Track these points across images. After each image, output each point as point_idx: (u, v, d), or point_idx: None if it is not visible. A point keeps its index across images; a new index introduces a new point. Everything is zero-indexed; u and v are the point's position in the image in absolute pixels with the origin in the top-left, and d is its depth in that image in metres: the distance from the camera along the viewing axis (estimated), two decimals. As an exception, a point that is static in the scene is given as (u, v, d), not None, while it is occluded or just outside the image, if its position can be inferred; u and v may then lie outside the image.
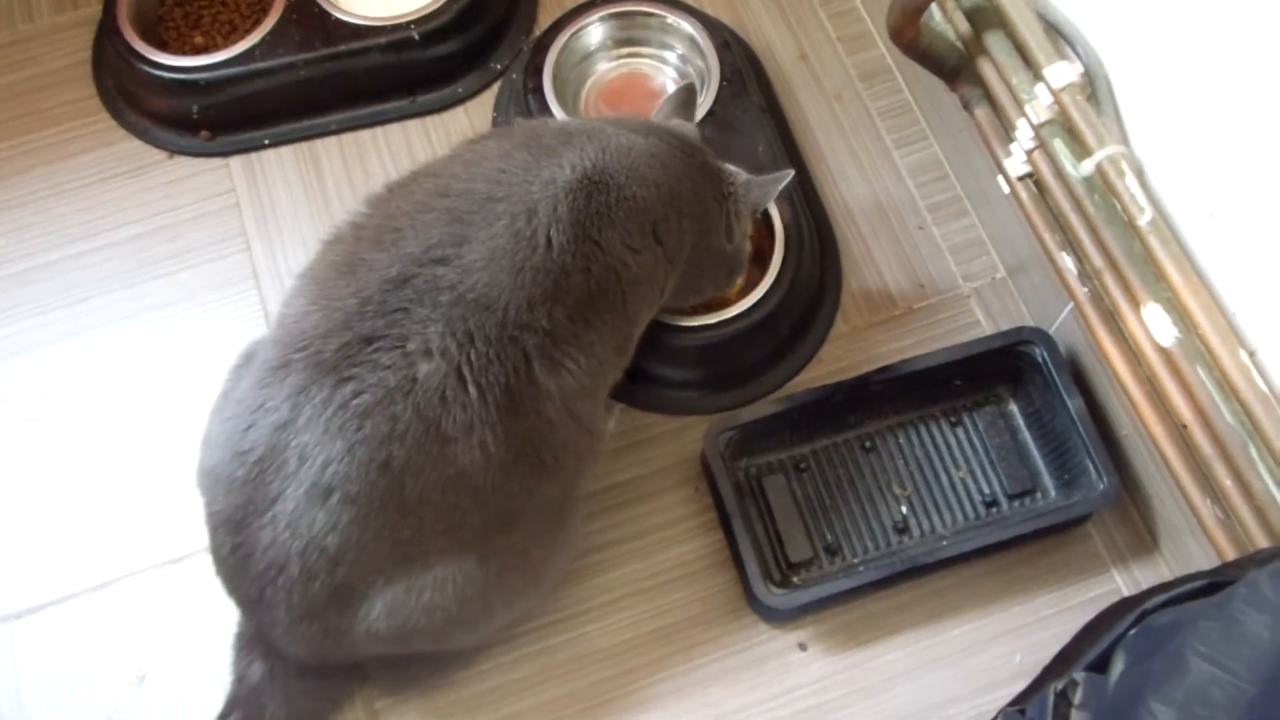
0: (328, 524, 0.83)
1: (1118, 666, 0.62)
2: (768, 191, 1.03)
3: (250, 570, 0.85)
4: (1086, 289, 1.03)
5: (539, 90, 1.22)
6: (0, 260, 1.25)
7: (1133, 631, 0.63)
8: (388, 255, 0.86)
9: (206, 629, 1.03)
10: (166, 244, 1.26)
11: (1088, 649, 0.66)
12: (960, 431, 1.14)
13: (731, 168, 1.03)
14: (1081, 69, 1.00)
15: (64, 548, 1.10)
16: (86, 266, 1.25)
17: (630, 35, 1.28)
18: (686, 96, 1.08)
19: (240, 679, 0.96)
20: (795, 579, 1.07)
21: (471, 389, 0.84)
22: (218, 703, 0.98)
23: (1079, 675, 0.63)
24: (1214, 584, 0.65)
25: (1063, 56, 1.01)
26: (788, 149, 1.25)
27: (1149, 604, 0.65)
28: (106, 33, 1.32)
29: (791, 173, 1.03)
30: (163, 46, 1.31)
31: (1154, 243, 0.93)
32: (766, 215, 1.15)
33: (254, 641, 0.93)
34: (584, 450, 0.93)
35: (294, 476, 0.83)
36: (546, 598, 1.04)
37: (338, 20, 1.28)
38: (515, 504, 0.89)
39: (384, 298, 0.84)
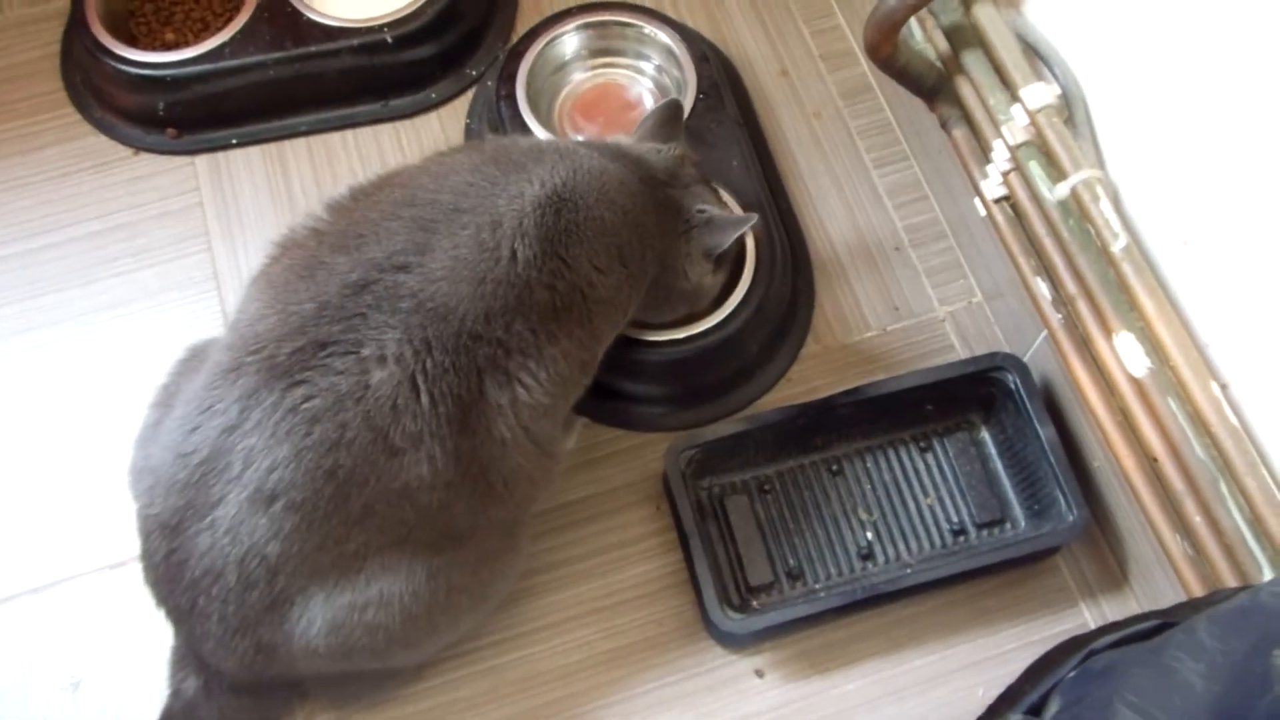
0: (270, 531, 0.80)
1: (1052, 709, 0.60)
2: (725, 235, 1.00)
3: (184, 577, 0.82)
4: (1060, 315, 1.02)
5: (512, 98, 1.21)
6: (-45, 252, 1.23)
7: (1072, 675, 0.61)
8: (349, 260, 0.85)
9: (144, 637, 1.00)
10: (126, 241, 1.23)
11: (1030, 689, 0.63)
12: (930, 457, 1.11)
13: (699, 204, 1.01)
14: (1059, 90, 0.99)
15: (2, 548, 1.08)
16: (44, 262, 1.22)
17: (607, 45, 1.27)
18: (671, 113, 1.06)
19: (175, 693, 0.93)
20: (755, 603, 1.05)
21: (424, 398, 0.82)
22: (153, 715, 0.95)
23: (1015, 718, 0.60)
24: (1164, 625, 0.62)
25: (1040, 77, 1.00)
26: (763, 165, 1.23)
27: (1097, 643, 0.63)
28: (75, 27, 1.30)
29: (754, 218, 1.01)
30: (133, 42, 1.30)
31: (1127, 270, 0.91)
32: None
33: (190, 655, 0.91)
34: (539, 473, 0.91)
35: (237, 480, 0.80)
36: (491, 616, 1.01)
37: (310, 20, 1.27)
38: (465, 522, 0.87)
39: (342, 303, 0.83)
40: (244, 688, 0.91)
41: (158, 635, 0.94)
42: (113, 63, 1.25)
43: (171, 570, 0.83)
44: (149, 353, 1.16)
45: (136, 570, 0.99)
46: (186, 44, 1.29)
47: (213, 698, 0.91)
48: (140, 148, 1.30)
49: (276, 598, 0.83)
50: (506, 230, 0.86)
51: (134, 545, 1.00)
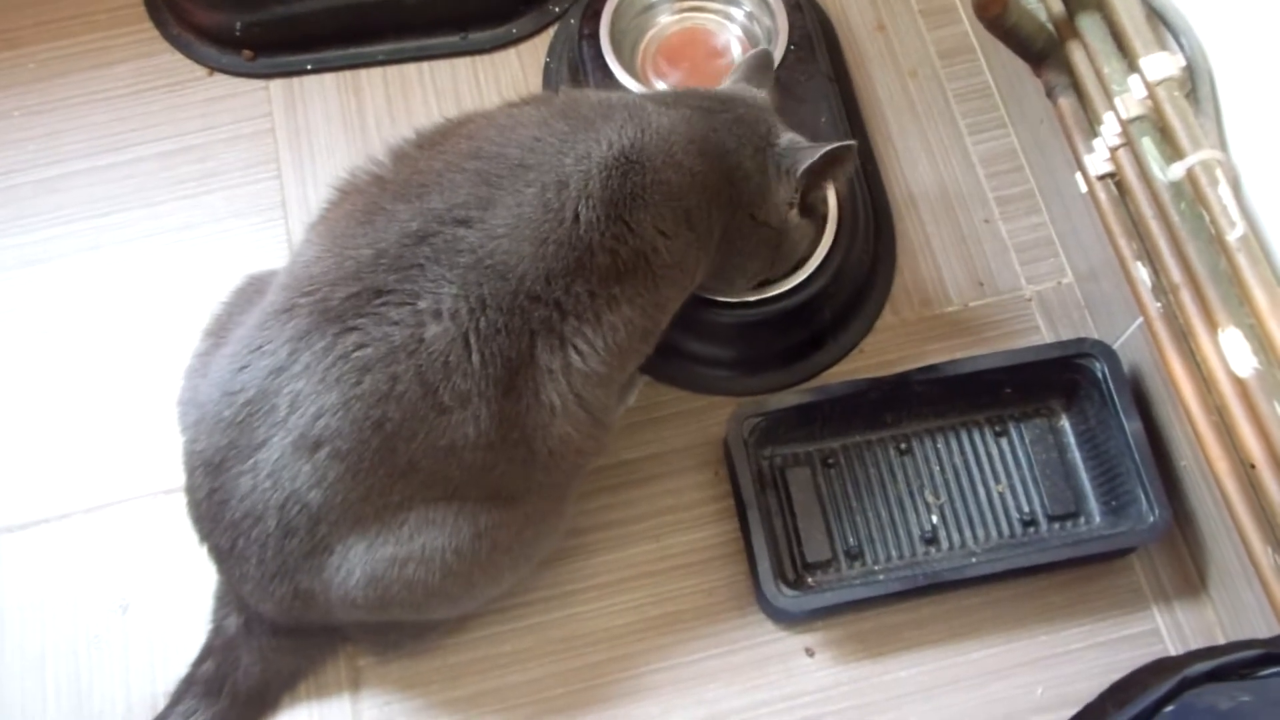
0: (312, 478, 0.78)
1: (1152, 741, 0.55)
2: (809, 154, 0.91)
3: (225, 517, 0.80)
4: (1160, 304, 0.94)
5: (595, 38, 1.15)
6: (29, 165, 1.21)
7: (1170, 709, 0.55)
8: (410, 209, 0.81)
9: (193, 566, 0.98)
10: (196, 164, 1.21)
11: (1113, 709, 0.58)
12: (1004, 442, 1.05)
13: (782, 128, 0.94)
14: (1183, 62, 0.91)
15: (61, 466, 1.07)
16: (113, 180, 1.20)
17: (697, -13, 1.20)
18: (761, 62, 1.00)
19: (217, 629, 0.92)
20: (810, 580, 1.00)
21: (475, 358, 0.79)
22: (196, 645, 0.94)
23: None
24: (1270, 656, 0.56)
25: (1163, 47, 0.92)
26: (852, 123, 1.16)
27: (1191, 670, 0.57)
28: (156, -60, 1.27)
29: (850, 143, 0.93)
30: (212, -41, 1.26)
31: (1242, 261, 0.84)
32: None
33: (232, 593, 0.89)
34: (588, 443, 0.87)
35: (282, 424, 0.78)
36: (538, 573, 0.98)
37: (393, -55, 1.22)
38: (513, 483, 0.84)
39: (400, 251, 0.80)
40: (284, 629, 0.89)
41: (206, 565, 0.93)
42: (192, -21, 1.22)
43: (213, 509, 0.81)
44: (212, 278, 1.13)
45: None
46: (267, -36, 1.25)
47: (253, 636, 0.90)
48: (215, 68, 1.26)
49: (316, 546, 0.80)
50: (572, 192, 0.82)
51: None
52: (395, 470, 0.79)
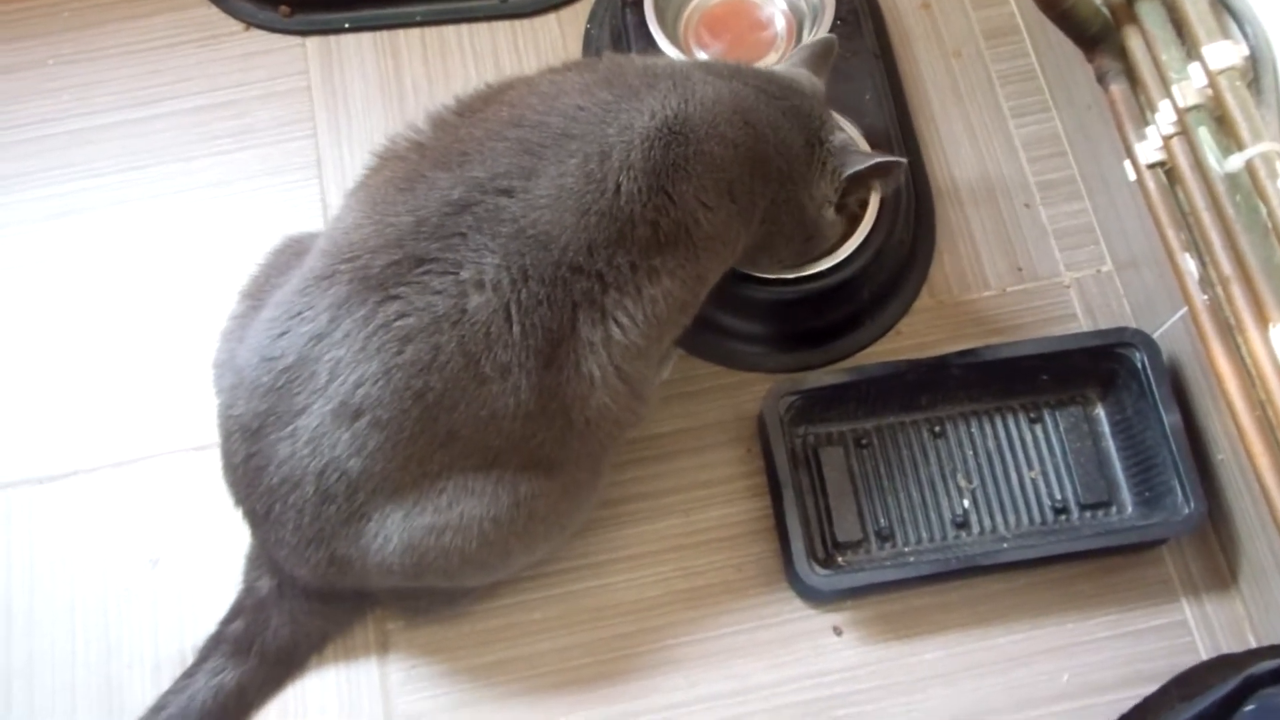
0: (352, 447, 0.76)
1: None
2: (858, 160, 0.90)
3: (262, 482, 0.78)
4: (1207, 296, 0.91)
5: (638, 5, 1.11)
6: (62, 116, 1.17)
7: (1249, 708, 0.53)
8: (451, 177, 0.79)
9: (224, 524, 0.95)
10: (230, 120, 1.17)
11: (1181, 704, 0.56)
12: (1039, 429, 1.03)
13: (836, 128, 0.92)
14: (1246, 51, 0.87)
15: (91, 419, 1.04)
16: (146, 134, 1.16)
17: (743, -43, 1.16)
18: (823, 49, 0.96)
19: (248, 589, 0.90)
20: (840, 559, 0.98)
21: (516, 329, 0.76)
22: (226, 602, 0.93)
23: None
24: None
25: (1226, 35, 0.88)
26: (896, 102, 1.12)
27: (1256, 669, 0.55)
28: (195, -112, 1.23)
29: (900, 159, 0.91)
30: (253, -89, 1.22)
31: (1301, 256, 0.81)
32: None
33: (265, 555, 0.87)
34: (626, 415, 0.84)
35: (322, 392, 0.75)
36: (569, 543, 0.96)
37: (436, -97, 1.18)
38: (552, 453, 0.82)
39: (442, 220, 0.77)
40: (315, 593, 0.87)
41: (237, 524, 0.90)
42: (232, -69, 1.18)
43: (250, 474, 0.79)
44: (245, 236, 1.11)
45: (218, 457, 0.96)
46: (308, -82, 1.21)
47: (284, 599, 0.89)
48: (251, 23, 1.22)
49: (354, 513, 0.78)
50: (615, 162, 0.79)
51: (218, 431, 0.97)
52: (435, 439, 0.77)
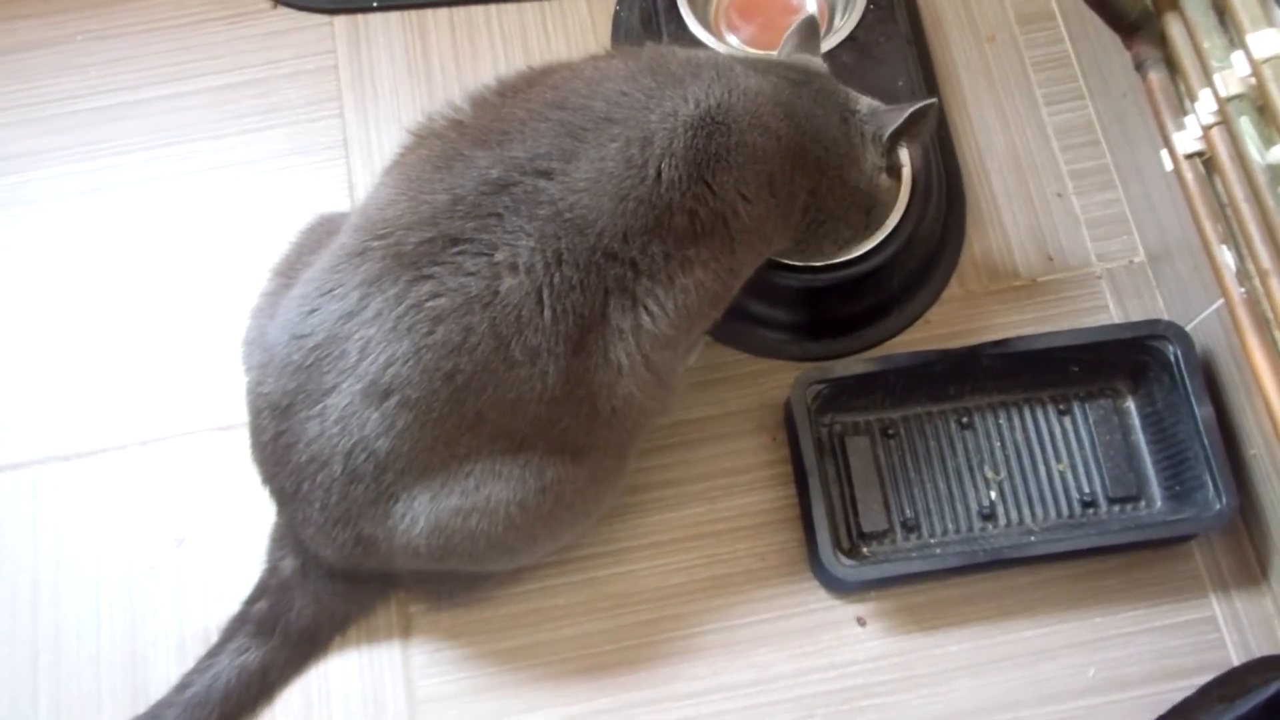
0: (381, 426, 0.74)
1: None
2: (894, 116, 0.88)
3: (290, 460, 0.77)
4: (1244, 290, 0.89)
5: (669, -13, 1.09)
6: (90, 93, 1.16)
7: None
8: (490, 156, 0.77)
9: (250, 503, 0.95)
10: (258, 98, 1.15)
11: (1221, 706, 0.54)
12: (1068, 421, 1.01)
13: (857, 94, 0.90)
14: (1291, 40, 0.85)
15: (119, 397, 1.03)
16: (174, 110, 1.15)
17: (775, -61, 1.13)
18: (810, 29, 0.95)
19: (272, 569, 0.89)
20: (865, 550, 0.96)
21: (547, 313, 0.75)
22: (250, 582, 0.92)
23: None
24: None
25: (1271, 23, 0.85)
26: (929, 88, 1.10)
27: (1302, 672, 0.54)
28: None
29: (930, 101, 0.88)
30: (281, -113, 1.20)
31: (1344, 250, 0.79)
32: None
33: (290, 535, 0.86)
34: (652, 403, 0.83)
35: (352, 370, 0.74)
36: (594, 529, 0.94)
37: (465, -119, 1.15)
38: (579, 439, 0.80)
39: (479, 199, 0.76)
40: (340, 574, 0.86)
41: (262, 504, 0.89)
42: (259, -93, 1.16)
43: (278, 452, 0.78)
44: (272, 215, 1.10)
45: (245, 436, 0.96)
46: (334, -104, 1.19)
47: (308, 579, 0.87)
48: (279, 1, 1.20)
49: (381, 493, 0.77)
50: (656, 149, 0.77)
51: (244, 410, 0.96)
52: (464, 421, 0.76)
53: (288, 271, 0.86)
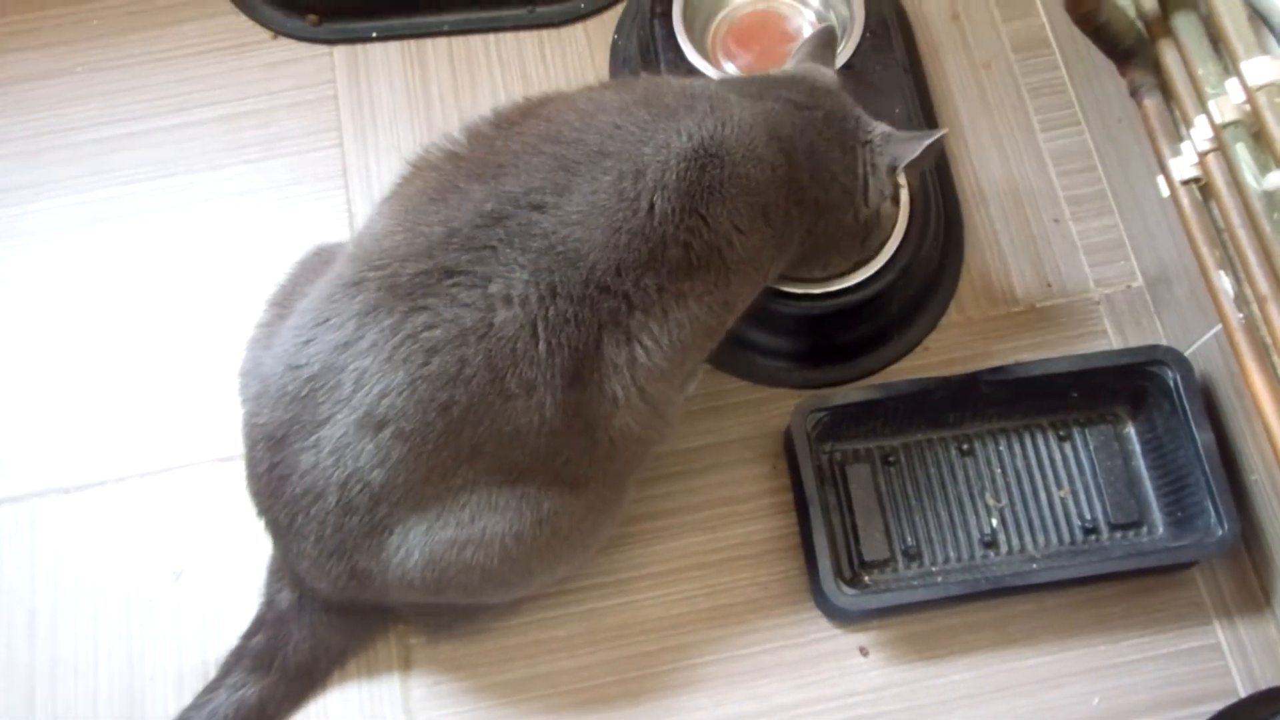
0: (375, 458, 0.73)
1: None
2: (910, 148, 0.87)
3: (284, 493, 0.76)
4: (1242, 315, 0.88)
5: (667, 16, 1.08)
6: (91, 124, 1.15)
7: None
8: (485, 189, 0.76)
9: (248, 536, 0.93)
10: (258, 129, 1.15)
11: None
12: (1068, 447, 1.00)
13: (869, 119, 0.89)
14: (1286, 68, 0.84)
15: (117, 429, 1.02)
16: (175, 141, 1.14)
17: (771, -32, 1.13)
18: (826, 38, 0.94)
19: (269, 602, 0.88)
20: (867, 579, 0.95)
21: (542, 346, 0.74)
22: (249, 616, 0.90)
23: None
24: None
25: (1264, 50, 0.85)
26: (926, 115, 1.10)
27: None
28: (226, -102, 1.21)
29: (944, 131, 0.87)
30: (281, -80, 1.20)
31: (1343, 277, 0.78)
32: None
33: (287, 568, 0.85)
34: (649, 433, 0.82)
35: (346, 401, 0.73)
36: (593, 559, 0.93)
37: (464, -86, 1.15)
38: (577, 470, 0.79)
39: (473, 232, 0.75)
40: (336, 607, 0.85)
41: (260, 536, 0.88)
42: (260, -62, 1.16)
43: (273, 484, 0.77)
44: (272, 245, 1.09)
45: (242, 467, 0.94)
46: (334, -73, 1.19)
47: (305, 613, 0.86)
48: (279, 32, 1.20)
49: (376, 525, 0.76)
50: (649, 182, 0.77)
51: (242, 442, 0.95)
52: (459, 453, 0.75)
53: (284, 302, 0.85)
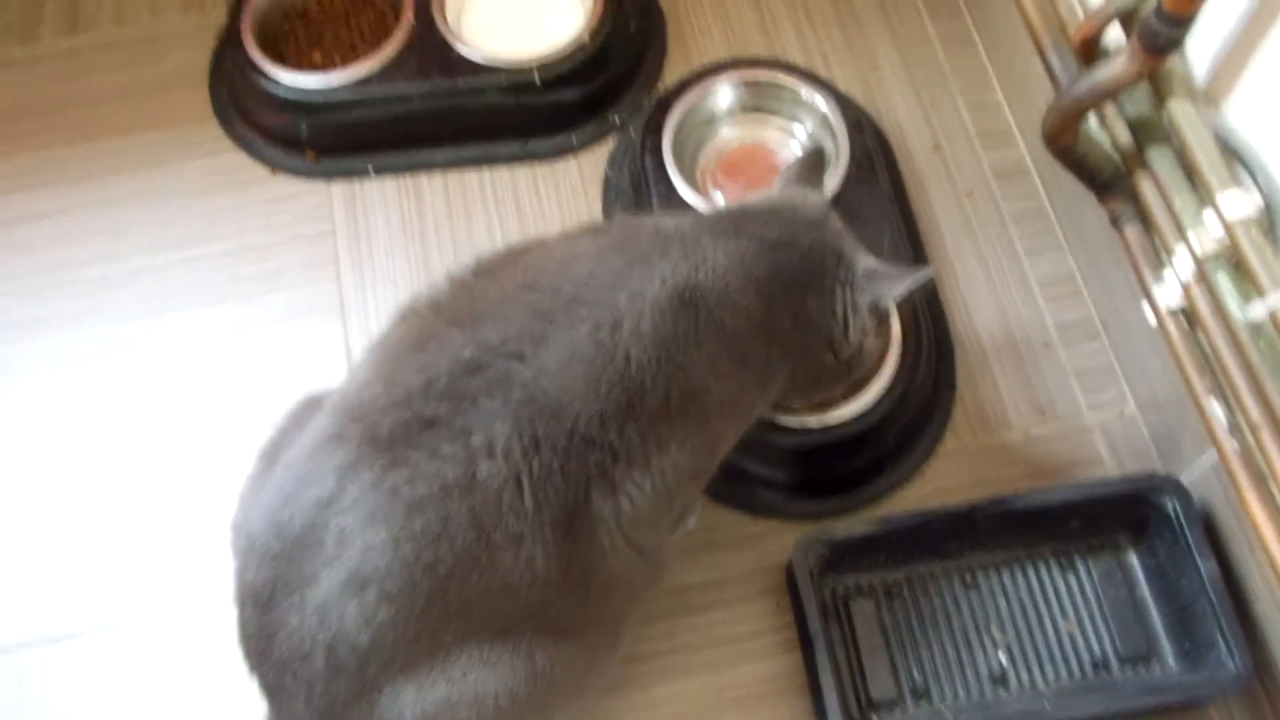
0: (360, 619, 0.71)
1: None
2: (893, 287, 0.85)
3: (273, 653, 0.73)
4: (1236, 443, 0.88)
5: (657, 150, 1.11)
6: (92, 260, 1.17)
7: None
8: (463, 337, 0.75)
9: (242, 688, 0.91)
10: (257, 264, 1.16)
11: None
12: (1071, 577, 0.99)
13: (854, 252, 0.87)
14: (1260, 201, 0.86)
15: (107, 576, 1.00)
16: (175, 277, 1.15)
17: (760, 104, 1.16)
18: (814, 160, 0.94)
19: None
20: (875, 719, 0.93)
21: (528, 500, 0.72)
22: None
23: None
24: None
25: (1237, 183, 0.87)
26: (913, 245, 1.12)
27: None
28: (228, 41, 1.24)
29: (931, 270, 0.87)
30: (281, 61, 1.23)
31: (1333, 408, 0.78)
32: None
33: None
34: (640, 579, 0.81)
35: (331, 562, 0.71)
36: (592, 703, 0.90)
37: (460, 55, 1.18)
38: (571, 619, 0.77)
39: (452, 381, 0.73)
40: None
41: (254, 691, 0.86)
42: (262, 80, 1.18)
43: (262, 644, 0.74)
44: (270, 383, 1.09)
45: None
46: (333, 66, 1.21)
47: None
48: (278, 168, 1.23)
49: (365, 686, 0.73)
50: (625, 331, 0.75)
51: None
52: (448, 612, 0.72)
53: (272, 454, 0.83)
